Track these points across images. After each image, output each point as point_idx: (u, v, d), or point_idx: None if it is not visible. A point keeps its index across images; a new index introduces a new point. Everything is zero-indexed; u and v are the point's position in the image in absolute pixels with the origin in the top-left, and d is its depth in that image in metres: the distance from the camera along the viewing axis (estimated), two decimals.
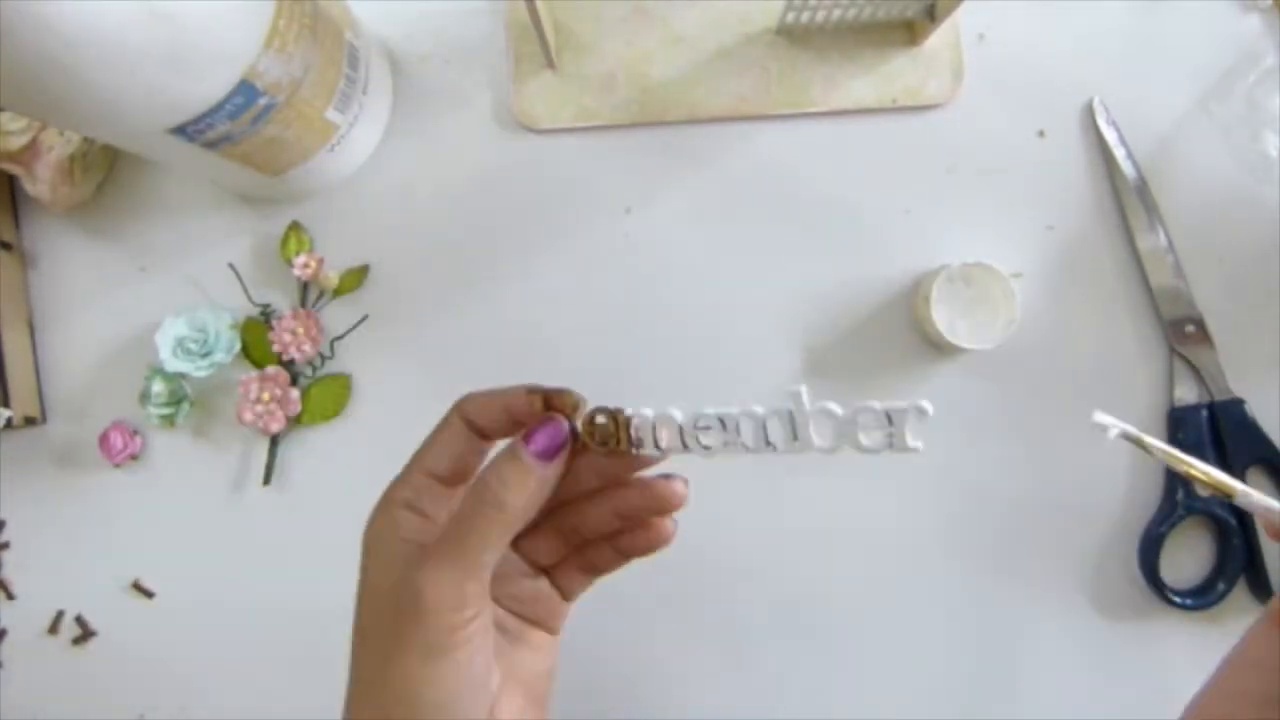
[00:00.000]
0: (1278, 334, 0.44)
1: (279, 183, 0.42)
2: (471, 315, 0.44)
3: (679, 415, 0.25)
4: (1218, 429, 0.42)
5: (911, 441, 0.23)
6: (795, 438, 0.24)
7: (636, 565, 0.27)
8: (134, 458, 0.44)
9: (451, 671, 0.24)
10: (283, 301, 0.45)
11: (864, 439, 0.23)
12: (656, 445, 0.25)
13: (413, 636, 0.24)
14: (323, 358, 0.44)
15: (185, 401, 0.43)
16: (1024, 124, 0.45)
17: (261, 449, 0.44)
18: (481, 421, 0.27)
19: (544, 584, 0.29)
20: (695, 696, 0.43)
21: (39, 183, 0.42)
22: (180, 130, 0.33)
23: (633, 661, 0.43)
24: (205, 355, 0.43)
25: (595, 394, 0.44)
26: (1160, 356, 0.44)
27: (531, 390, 0.26)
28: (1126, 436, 0.29)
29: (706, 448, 0.25)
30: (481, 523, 0.24)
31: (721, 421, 0.25)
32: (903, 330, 0.44)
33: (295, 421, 0.44)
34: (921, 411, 0.23)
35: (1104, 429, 0.29)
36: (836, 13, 0.42)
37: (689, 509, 0.26)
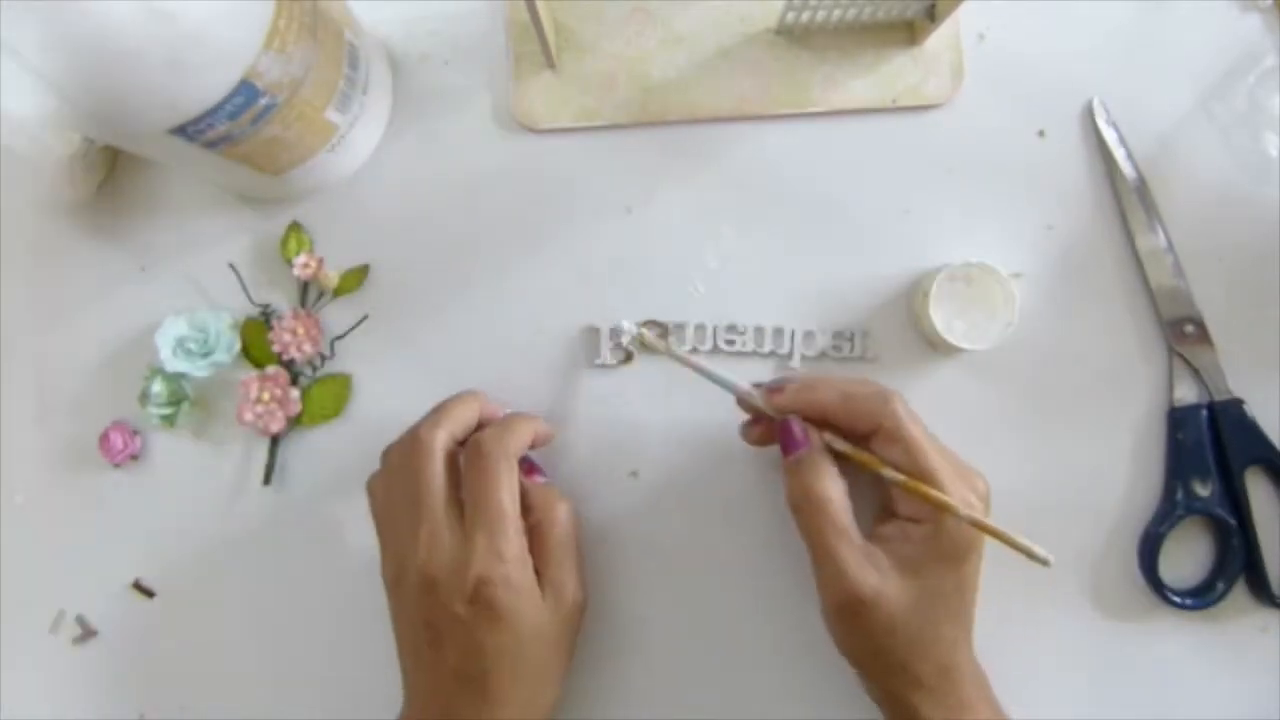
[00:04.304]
0: (1278, 334, 0.44)
1: (279, 183, 0.42)
2: (472, 315, 0.44)
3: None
4: (1217, 429, 0.42)
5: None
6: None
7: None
8: (134, 458, 0.44)
9: None
10: (283, 301, 0.45)
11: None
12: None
13: None
14: (323, 358, 0.44)
15: (185, 401, 0.43)
16: (1024, 124, 0.45)
17: (261, 449, 0.44)
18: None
19: None
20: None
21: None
22: (180, 130, 0.33)
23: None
24: (205, 355, 0.43)
25: (595, 391, 0.44)
26: (1160, 356, 0.44)
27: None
28: (642, 341, 0.42)
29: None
30: None
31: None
32: (902, 330, 0.44)
33: (295, 421, 0.44)
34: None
35: (622, 332, 0.42)
36: (836, 13, 0.42)
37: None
